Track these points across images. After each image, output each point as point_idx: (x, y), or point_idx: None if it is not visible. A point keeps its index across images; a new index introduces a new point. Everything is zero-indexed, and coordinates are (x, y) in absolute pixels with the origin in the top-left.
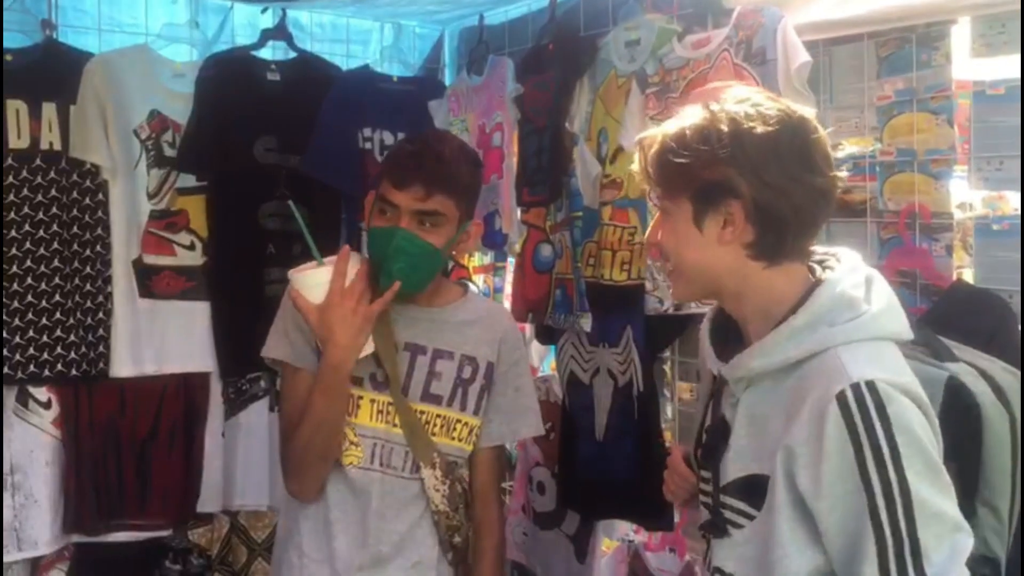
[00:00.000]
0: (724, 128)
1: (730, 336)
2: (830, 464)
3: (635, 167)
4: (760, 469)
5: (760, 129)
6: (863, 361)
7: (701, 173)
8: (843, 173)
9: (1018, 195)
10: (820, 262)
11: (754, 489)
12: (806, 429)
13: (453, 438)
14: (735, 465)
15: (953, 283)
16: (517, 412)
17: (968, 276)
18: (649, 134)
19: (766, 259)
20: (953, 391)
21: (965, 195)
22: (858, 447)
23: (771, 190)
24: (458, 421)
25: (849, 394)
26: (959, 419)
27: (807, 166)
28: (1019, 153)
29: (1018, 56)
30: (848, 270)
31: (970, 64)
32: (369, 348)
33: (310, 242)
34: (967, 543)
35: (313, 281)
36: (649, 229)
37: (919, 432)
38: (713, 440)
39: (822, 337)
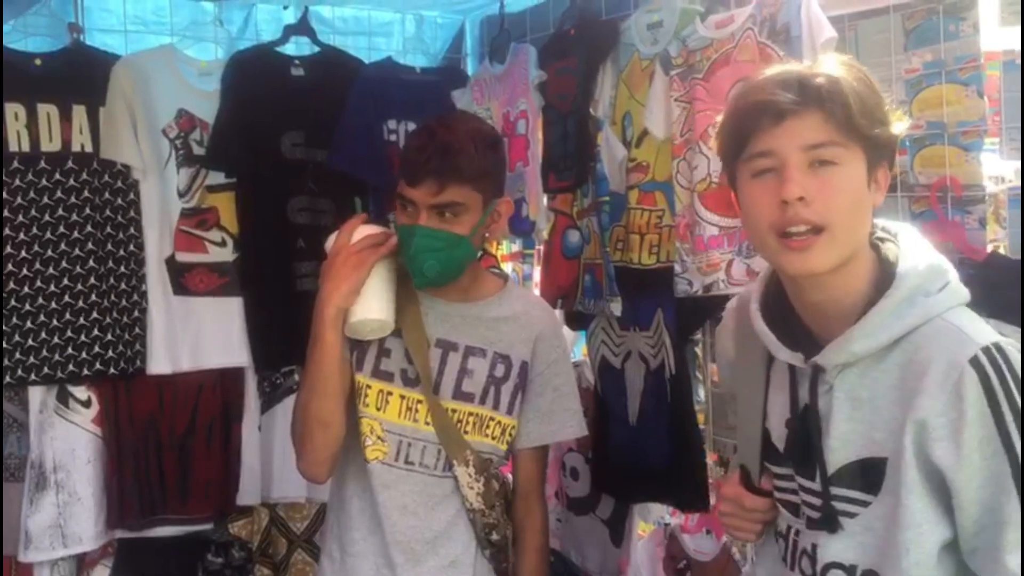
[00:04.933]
0: None
1: (790, 322)
2: (972, 431)
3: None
4: (873, 452)
5: None
6: (976, 326)
7: (890, 125)
8: None
9: None
10: (871, 234)
11: (869, 473)
12: (940, 400)
13: (486, 436)
14: (841, 452)
15: (988, 255)
16: (556, 413)
17: (1003, 250)
18: (840, 68)
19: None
20: None
21: (997, 167)
22: (997, 410)
23: None
24: (491, 419)
25: (983, 358)
26: None
27: None
28: None
29: None
30: (917, 239)
31: (999, 33)
32: (380, 313)
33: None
34: None
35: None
36: (790, 182)
37: None
38: (805, 432)
39: (922, 309)
